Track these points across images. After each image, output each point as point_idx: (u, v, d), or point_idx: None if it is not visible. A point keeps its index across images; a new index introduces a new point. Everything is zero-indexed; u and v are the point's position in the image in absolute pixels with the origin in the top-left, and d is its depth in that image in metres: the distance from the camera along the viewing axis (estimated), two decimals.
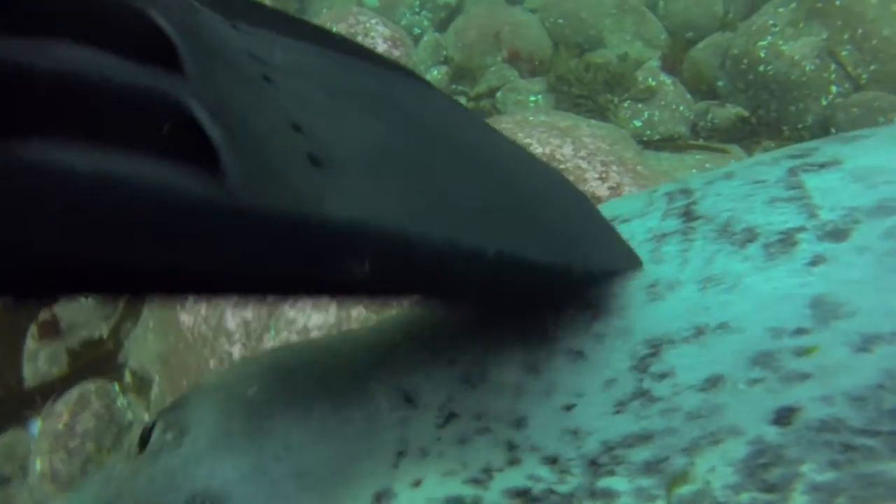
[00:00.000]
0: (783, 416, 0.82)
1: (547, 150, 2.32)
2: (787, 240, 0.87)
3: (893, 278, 0.80)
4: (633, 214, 1.04)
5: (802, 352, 0.80)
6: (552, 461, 0.96)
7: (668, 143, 2.98)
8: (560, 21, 3.54)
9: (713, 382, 0.84)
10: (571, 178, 2.23)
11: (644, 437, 0.89)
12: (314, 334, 2.02)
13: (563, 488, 0.94)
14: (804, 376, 0.80)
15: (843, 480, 0.82)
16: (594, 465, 0.93)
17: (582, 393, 0.92)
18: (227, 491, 0.97)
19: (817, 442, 0.80)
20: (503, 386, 0.98)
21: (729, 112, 3.10)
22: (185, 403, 1.08)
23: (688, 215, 0.97)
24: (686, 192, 1.03)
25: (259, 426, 1.01)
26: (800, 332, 0.81)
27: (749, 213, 0.93)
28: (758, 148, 3.06)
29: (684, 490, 0.87)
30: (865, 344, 0.77)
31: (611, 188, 2.10)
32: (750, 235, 0.90)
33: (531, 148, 2.36)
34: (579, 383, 0.92)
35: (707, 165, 2.85)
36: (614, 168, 2.21)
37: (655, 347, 0.88)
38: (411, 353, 1.06)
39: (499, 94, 3.33)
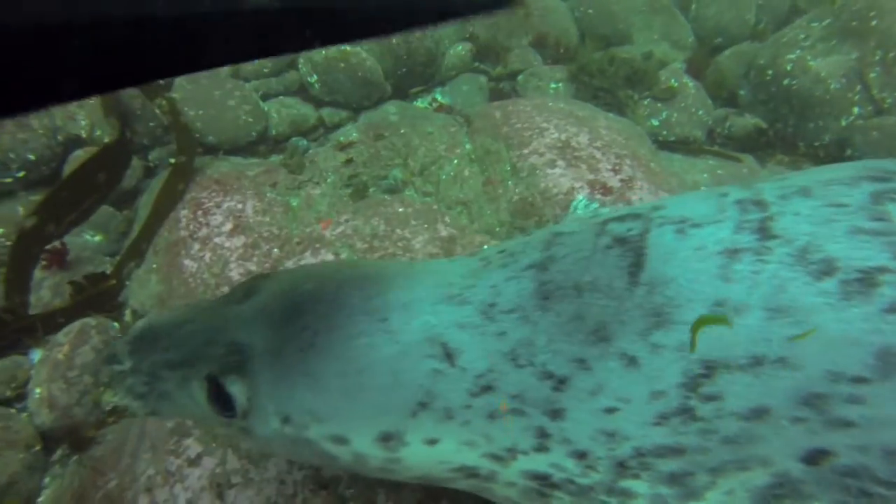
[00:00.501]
0: (814, 457, 0.82)
1: (563, 137, 2.33)
2: (867, 279, 0.82)
3: None
4: (705, 219, 0.98)
5: (855, 400, 0.79)
6: (581, 456, 0.95)
7: (683, 146, 2.98)
8: (590, 11, 3.52)
9: (758, 414, 0.84)
10: (584, 166, 2.24)
11: (676, 451, 0.89)
12: None
13: (584, 481, 0.96)
14: (848, 424, 0.79)
15: None
16: (621, 468, 0.93)
17: (628, 399, 0.91)
18: (249, 354, 1.03)
19: (837, 485, 0.82)
20: (549, 375, 0.96)
21: (747, 122, 3.10)
22: (263, 277, 1.19)
23: (763, 232, 0.91)
24: (760, 204, 0.97)
25: (299, 317, 1.05)
26: (858, 380, 0.79)
27: (830, 241, 0.86)
28: (772, 160, 3.06)
29: None
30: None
31: (622, 181, 2.11)
32: (828, 268, 0.84)
33: (548, 133, 2.37)
34: (627, 389, 0.91)
35: (719, 172, 2.86)
36: (628, 162, 2.22)
37: (710, 370, 0.86)
38: (464, 308, 1.04)
39: (520, 78, 3.32)
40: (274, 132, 2.95)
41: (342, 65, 3.02)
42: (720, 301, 0.87)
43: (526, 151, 2.33)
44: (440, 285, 1.10)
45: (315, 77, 3.06)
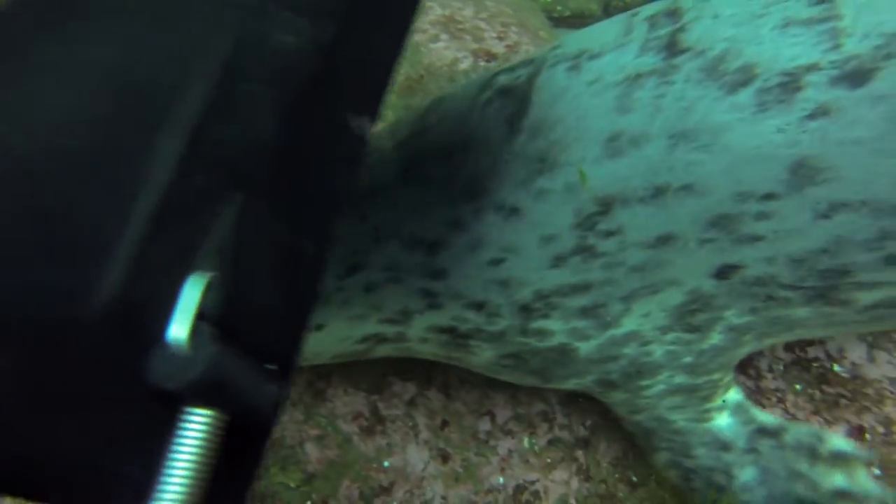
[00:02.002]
0: (724, 272, 0.82)
1: (447, 12, 2.23)
2: (790, 84, 0.73)
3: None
4: (606, 47, 0.88)
5: (763, 217, 0.77)
6: (478, 307, 0.95)
7: (579, 20, 2.93)
8: None
9: (664, 241, 0.82)
10: (469, 37, 2.16)
11: (581, 288, 0.88)
12: None
13: (492, 328, 0.96)
14: (757, 239, 0.78)
15: (755, 322, 0.88)
16: (526, 311, 0.92)
17: (514, 249, 0.89)
18: None
19: (746, 293, 0.83)
20: (418, 241, 0.94)
21: None
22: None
23: (671, 48, 0.82)
24: (673, 13, 0.86)
25: None
26: (768, 197, 0.76)
27: (753, 42, 0.76)
28: None
29: (618, 331, 0.91)
30: (829, 211, 0.73)
31: (507, 46, 2.06)
32: (745, 76, 0.75)
33: (432, 10, 2.26)
34: (511, 239, 0.89)
35: None
36: (514, 29, 2.16)
37: (606, 206, 0.83)
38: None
39: None
40: None
41: None
42: (614, 135, 0.81)
43: None
44: None
45: None
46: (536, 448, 1.28)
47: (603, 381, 1.01)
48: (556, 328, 0.94)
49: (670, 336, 0.91)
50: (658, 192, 0.80)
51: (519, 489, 1.24)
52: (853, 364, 1.22)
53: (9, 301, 0.44)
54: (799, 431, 0.97)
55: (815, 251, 0.77)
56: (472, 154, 0.92)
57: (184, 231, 0.47)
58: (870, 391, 1.17)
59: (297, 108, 0.55)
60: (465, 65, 2.00)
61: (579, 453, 1.26)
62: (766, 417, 1.00)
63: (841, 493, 0.91)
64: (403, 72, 2.18)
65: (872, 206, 0.72)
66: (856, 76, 0.70)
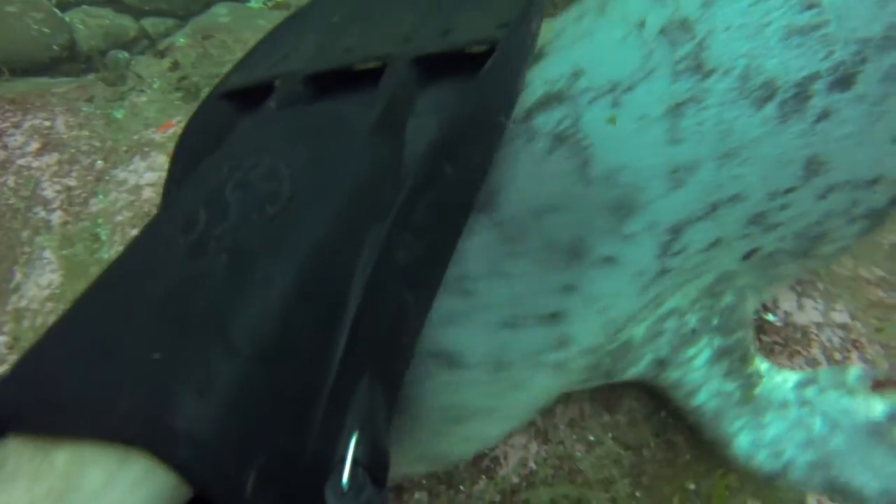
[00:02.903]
0: (748, 255, 0.95)
1: None
2: (801, 94, 0.83)
3: (872, 130, 0.85)
4: (635, 76, 0.87)
5: (785, 207, 0.89)
6: (591, 352, 0.98)
7: None
8: None
9: (714, 245, 0.91)
10: None
11: (655, 302, 0.97)
12: (146, 192, 1.89)
13: (610, 347, 1.01)
14: (777, 225, 0.91)
15: (756, 282, 1.04)
16: (627, 344, 1.00)
17: (616, 294, 0.92)
18: None
19: (758, 265, 0.99)
20: (542, 317, 0.92)
21: None
22: None
23: (699, 70, 0.85)
24: (685, 27, 0.86)
25: None
26: (789, 191, 0.87)
27: (767, 57, 0.83)
28: None
29: (662, 310, 0.99)
30: (826, 193, 0.89)
31: None
32: (768, 92, 0.83)
33: None
34: (614, 286, 0.91)
35: None
36: None
37: (676, 232, 0.88)
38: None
39: None
40: (84, 47, 2.60)
41: None
42: (675, 168, 0.85)
43: None
44: None
45: None
46: None
47: (656, 361, 1.05)
48: (639, 334, 1.01)
49: (698, 305, 1.00)
50: (713, 209, 0.88)
51: (479, 456, 1.26)
52: (785, 313, 1.29)
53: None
54: (825, 374, 1.04)
55: (811, 224, 0.92)
56: (560, 213, 0.89)
57: (345, 402, 0.63)
58: (798, 335, 1.25)
59: (402, 301, 0.72)
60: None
61: (537, 418, 1.29)
62: (793, 373, 1.07)
63: (891, 416, 0.95)
64: None
65: (852, 183, 0.88)
66: (844, 81, 0.82)
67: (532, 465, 1.25)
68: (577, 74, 0.93)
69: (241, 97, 1.04)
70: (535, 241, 0.89)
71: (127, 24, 2.75)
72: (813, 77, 0.81)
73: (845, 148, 0.85)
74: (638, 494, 1.23)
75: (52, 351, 0.56)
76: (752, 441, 1.02)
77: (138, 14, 2.81)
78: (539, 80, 0.96)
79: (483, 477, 1.24)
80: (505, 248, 0.89)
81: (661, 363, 1.04)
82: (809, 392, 1.02)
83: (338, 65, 0.94)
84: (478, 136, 0.83)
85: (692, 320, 1.00)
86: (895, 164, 0.90)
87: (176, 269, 0.59)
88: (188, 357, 0.52)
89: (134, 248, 0.69)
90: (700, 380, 1.04)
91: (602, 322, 0.95)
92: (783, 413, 1.01)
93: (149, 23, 2.81)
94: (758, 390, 1.03)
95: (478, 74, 0.82)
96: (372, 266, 0.67)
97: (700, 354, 1.03)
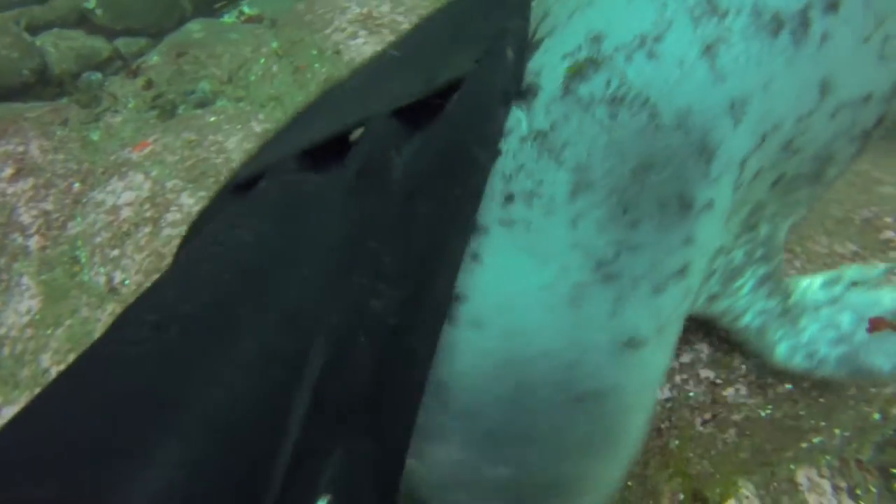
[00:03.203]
0: (775, 182, 1.01)
1: (365, 10, 2.25)
2: (804, 22, 0.88)
3: (861, 50, 0.92)
4: (657, 27, 0.90)
5: (804, 130, 0.96)
6: (681, 272, 0.99)
7: None
8: None
9: (757, 175, 0.97)
10: (386, 31, 2.19)
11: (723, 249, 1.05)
12: (125, 212, 1.87)
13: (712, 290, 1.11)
14: (798, 150, 0.97)
15: (780, 210, 1.06)
16: (709, 276, 1.06)
17: (716, 236, 0.97)
18: None
19: (781, 193, 1.03)
20: (674, 273, 0.95)
21: None
22: None
23: (716, 12, 0.89)
24: None
25: None
26: (809, 114, 0.93)
27: None
28: None
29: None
30: (836, 112, 0.96)
31: None
32: (778, 24, 0.88)
33: (349, 10, 2.28)
34: (715, 229, 0.96)
35: None
36: None
37: (742, 167, 0.94)
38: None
39: None
40: (56, 70, 2.58)
41: None
42: (733, 101, 0.88)
43: (328, 31, 2.24)
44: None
45: (93, 2, 2.69)
46: None
47: (709, 296, 1.13)
48: (739, 257, 1.09)
49: (741, 239, 1.07)
50: (762, 139, 0.93)
51: None
52: None
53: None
54: (851, 271, 1.15)
55: (824, 145, 0.97)
56: (654, 169, 0.90)
57: (312, 466, 0.62)
58: None
59: (382, 360, 0.69)
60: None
61: None
62: (817, 275, 1.18)
63: None
64: (325, 71, 2.18)
65: (853, 101, 0.96)
66: (832, 4, 0.89)
67: None
68: (597, 39, 0.93)
69: (248, 187, 1.05)
70: (647, 203, 0.90)
71: (99, 45, 2.74)
72: (810, 4, 0.89)
73: (845, 66, 0.92)
74: (630, 483, 1.23)
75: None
76: (790, 346, 1.15)
77: (110, 35, 2.80)
78: (555, 57, 0.95)
79: None
80: (624, 221, 0.90)
81: (713, 297, 1.12)
82: (838, 289, 1.15)
83: (324, 137, 0.93)
84: (451, 171, 0.81)
85: (738, 256, 1.09)
86: (882, 80, 0.97)
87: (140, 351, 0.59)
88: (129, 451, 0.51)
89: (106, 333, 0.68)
90: (746, 304, 1.14)
91: (704, 268, 1.01)
92: (815, 315, 1.14)
93: (122, 42, 2.80)
94: (791, 300, 1.15)
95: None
96: (336, 322, 0.64)
97: (746, 284, 1.13)
